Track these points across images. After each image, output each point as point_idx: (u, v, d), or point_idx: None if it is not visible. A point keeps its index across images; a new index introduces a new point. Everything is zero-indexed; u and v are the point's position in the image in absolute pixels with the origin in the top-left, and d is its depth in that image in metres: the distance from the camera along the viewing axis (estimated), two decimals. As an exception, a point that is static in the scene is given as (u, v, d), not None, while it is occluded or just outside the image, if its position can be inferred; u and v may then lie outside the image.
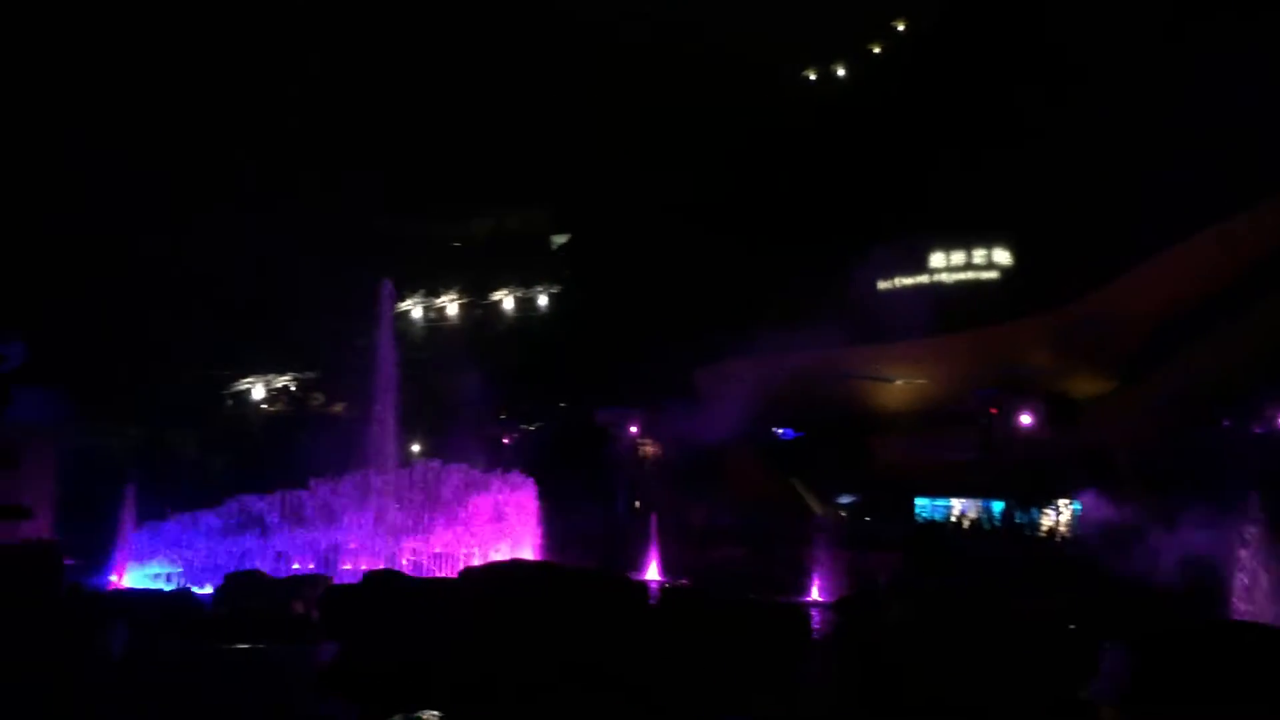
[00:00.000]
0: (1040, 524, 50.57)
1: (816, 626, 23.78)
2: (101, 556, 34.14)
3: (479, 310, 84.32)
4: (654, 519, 43.14)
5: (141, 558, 33.87)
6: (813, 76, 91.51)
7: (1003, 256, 59.37)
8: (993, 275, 59.23)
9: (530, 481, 40.33)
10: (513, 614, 16.88)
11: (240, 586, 25.16)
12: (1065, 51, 60.92)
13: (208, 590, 28.56)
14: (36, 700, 10.58)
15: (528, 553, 37.93)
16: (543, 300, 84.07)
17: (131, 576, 32.92)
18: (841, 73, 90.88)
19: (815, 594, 33.92)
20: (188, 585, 31.22)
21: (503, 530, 39.12)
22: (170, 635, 22.37)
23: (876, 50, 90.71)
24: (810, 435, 59.27)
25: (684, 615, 19.23)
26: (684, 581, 36.90)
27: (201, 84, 69.32)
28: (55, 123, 61.45)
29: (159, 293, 62.53)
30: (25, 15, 61.13)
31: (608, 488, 53.39)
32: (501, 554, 35.91)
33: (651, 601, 20.01)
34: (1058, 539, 48.32)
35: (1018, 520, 50.77)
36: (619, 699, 15.95)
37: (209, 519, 35.38)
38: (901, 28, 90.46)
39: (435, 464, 40.81)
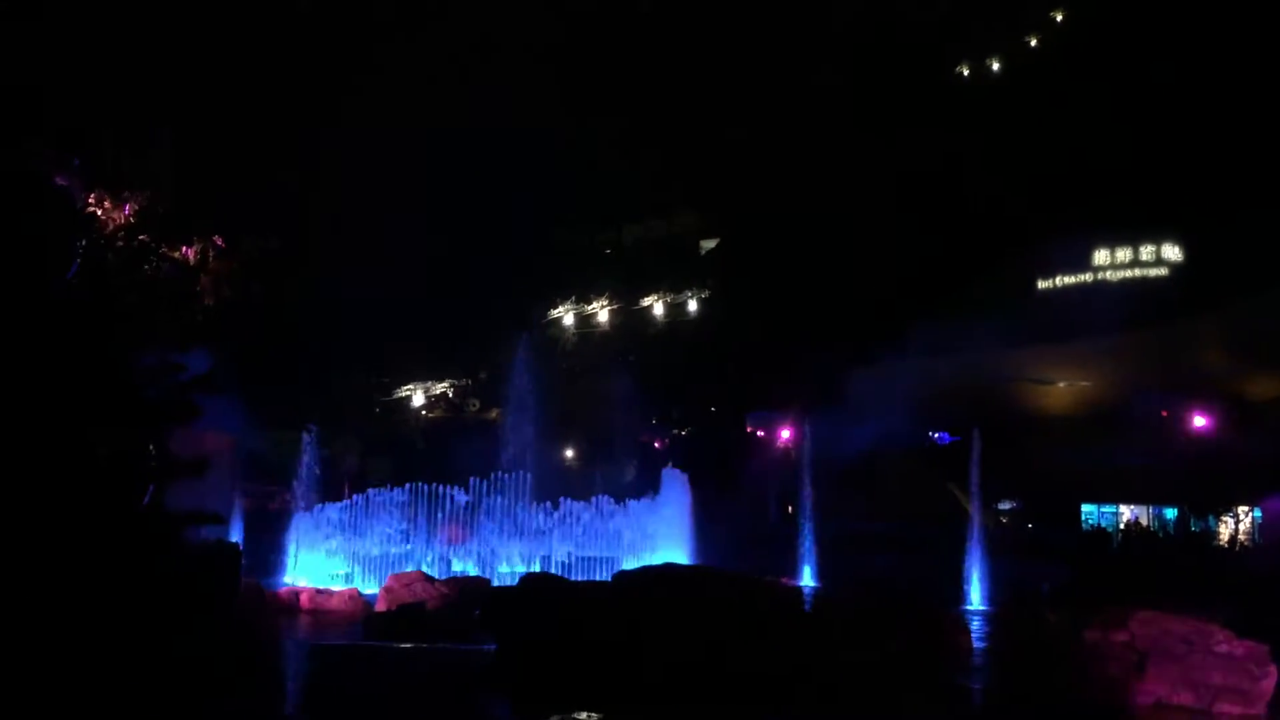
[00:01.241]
0: (1218, 532, 48.14)
1: (976, 635, 23.17)
2: (275, 557, 35.85)
3: (630, 316, 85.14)
4: (807, 524, 42.70)
5: (312, 559, 35.44)
6: (966, 71, 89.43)
7: (1172, 253, 56.84)
8: (1161, 272, 56.82)
9: (683, 481, 40.57)
10: (666, 616, 16.96)
11: (403, 587, 25.99)
12: (1233, 35, 58.14)
13: (374, 590, 29.63)
14: (218, 687, 11.24)
15: (680, 557, 38.06)
16: (692, 306, 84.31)
17: (303, 576, 34.43)
18: (996, 66, 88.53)
19: (975, 602, 33.06)
20: (356, 585, 32.48)
21: (656, 534, 39.39)
22: (339, 632, 23.31)
23: (1034, 43, 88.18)
24: (968, 439, 57.86)
25: (838, 620, 18.99)
26: (839, 588, 36.42)
27: (359, 99, 72.15)
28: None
29: (326, 304, 65.18)
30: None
31: (759, 492, 53.17)
32: (655, 558, 36.10)
33: (805, 607, 19.82)
34: (1237, 548, 45.88)
35: (1193, 528, 48.45)
36: (772, 701, 15.87)
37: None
38: (1059, 18, 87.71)
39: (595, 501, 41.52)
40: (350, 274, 67.97)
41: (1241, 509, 48.64)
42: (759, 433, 63.61)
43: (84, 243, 11.15)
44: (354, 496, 37.06)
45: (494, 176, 74.82)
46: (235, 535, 40.35)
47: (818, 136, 76.01)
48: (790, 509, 52.73)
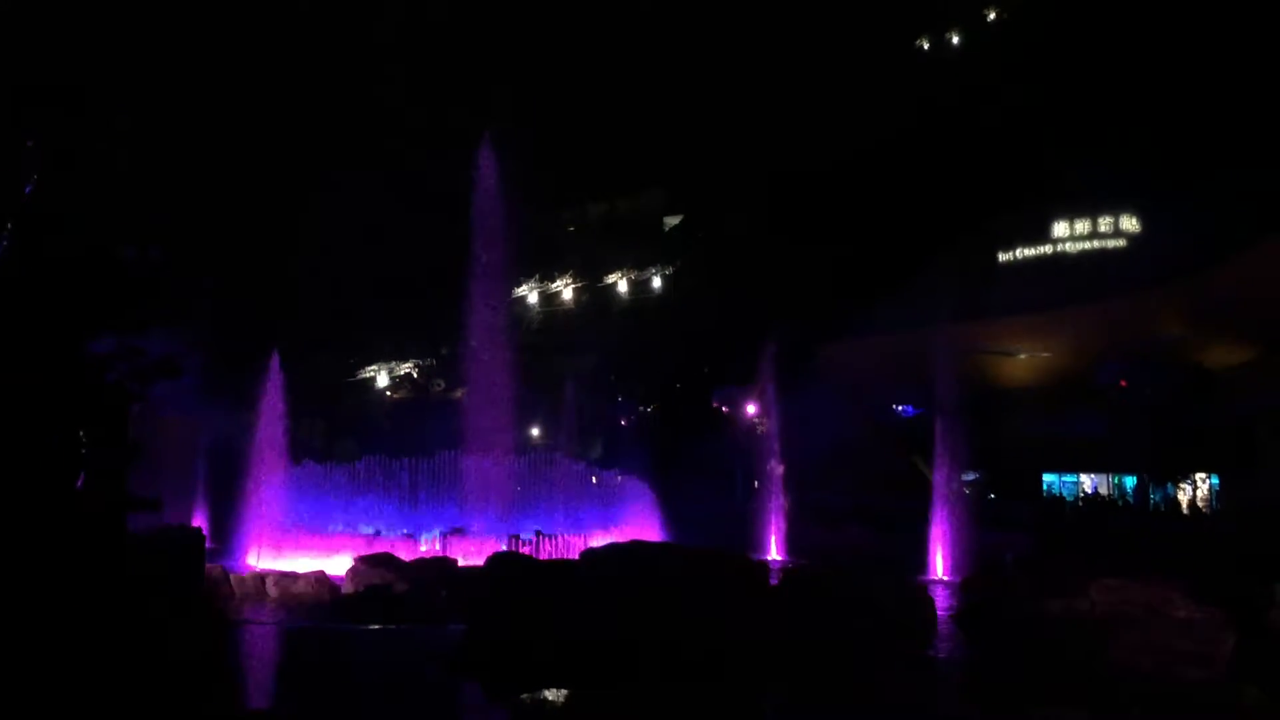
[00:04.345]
0: (1176, 500, 48.87)
1: (941, 605, 23.41)
2: (241, 541, 35.59)
3: (594, 294, 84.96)
4: (773, 499, 42.97)
5: (278, 541, 35.21)
6: (926, 45, 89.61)
7: (1130, 224, 57.30)
8: (1120, 243, 57.27)
9: (650, 459, 40.72)
10: (634, 594, 17.00)
11: (370, 569, 25.88)
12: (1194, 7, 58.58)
13: (340, 572, 29.49)
14: (182, 674, 11.13)
15: (648, 534, 38.18)
16: (656, 282, 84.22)
17: (269, 559, 34.21)
18: (956, 40, 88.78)
19: (939, 573, 33.42)
20: (321, 568, 32.29)
21: (622, 512, 39.48)
22: (307, 615, 23.20)
23: (992, 17, 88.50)
24: (932, 411, 58.32)
25: (805, 594, 19.11)
26: (805, 561, 36.70)
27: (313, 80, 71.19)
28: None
29: (288, 283, 64.53)
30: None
31: (725, 468, 53.37)
32: (621, 535, 36.18)
33: (772, 581, 19.93)
34: (1195, 515, 46.63)
35: (1151, 496, 49.16)
36: (741, 677, 15.95)
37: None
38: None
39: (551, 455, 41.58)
40: (314, 253, 67.35)
41: (1199, 476, 49.38)
42: (724, 408, 63.78)
43: (9, 225, 10.91)
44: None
45: (453, 156, 74.35)
46: (199, 519, 40.16)
47: (780, 110, 75.97)
48: (756, 484, 53.01)
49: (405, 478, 37.80)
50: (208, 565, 25.26)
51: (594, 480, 41.27)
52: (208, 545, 27.87)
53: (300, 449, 56.93)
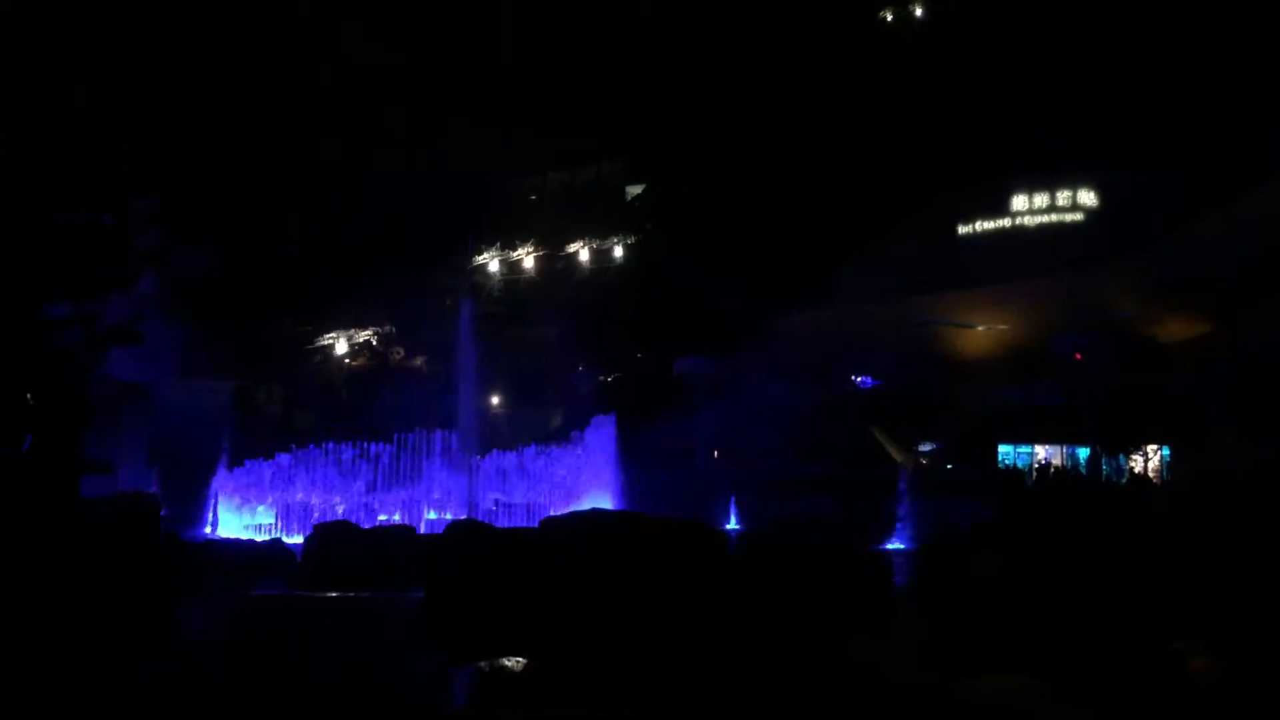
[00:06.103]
0: (1128, 470, 49.67)
1: (899, 574, 23.64)
2: (197, 508, 35.32)
3: (556, 262, 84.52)
4: (733, 468, 43.15)
5: (234, 509, 35.01)
6: (889, 17, 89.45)
7: (1088, 198, 57.75)
8: (1077, 217, 57.71)
9: (610, 428, 40.73)
10: (593, 562, 17.04)
11: (329, 537, 25.66)
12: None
13: (298, 540, 29.32)
14: (137, 644, 11.02)
15: (608, 503, 38.29)
16: (619, 251, 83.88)
17: (225, 527, 34.00)
18: (919, 13, 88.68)
19: (897, 542, 33.81)
20: (279, 535, 32.14)
21: (583, 480, 39.56)
22: (262, 583, 23.05)
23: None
24: (890, 383, 58.74)
25: (765, 563, 19.24)
26: (766, 531, 36.95)
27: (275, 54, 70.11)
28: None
29: (249, 250, 63.77)
30: None
31: (686, 438, 53.50)
32: (582, 504, 36.28)
33: (731, 550, 20.04)
34: (1146, 485, 47.43)
35: (1104, 467, 49.91)
36: (700, 646, 16.04)
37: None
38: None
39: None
40: (277, 219, 66.67)
41: (1150, 447, 50.20)
42: (686, 378, 63.86)
43: None
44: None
45: (415, 125, 73.57)
46: (153, 486, 39.72)
47: (739, 82, 75.67)
48: (716, 454, 53.22)
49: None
50: (163, 532, 25.07)
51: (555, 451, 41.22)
52: (163, 512, 27.62)
53: (258, 415, 56.56)
